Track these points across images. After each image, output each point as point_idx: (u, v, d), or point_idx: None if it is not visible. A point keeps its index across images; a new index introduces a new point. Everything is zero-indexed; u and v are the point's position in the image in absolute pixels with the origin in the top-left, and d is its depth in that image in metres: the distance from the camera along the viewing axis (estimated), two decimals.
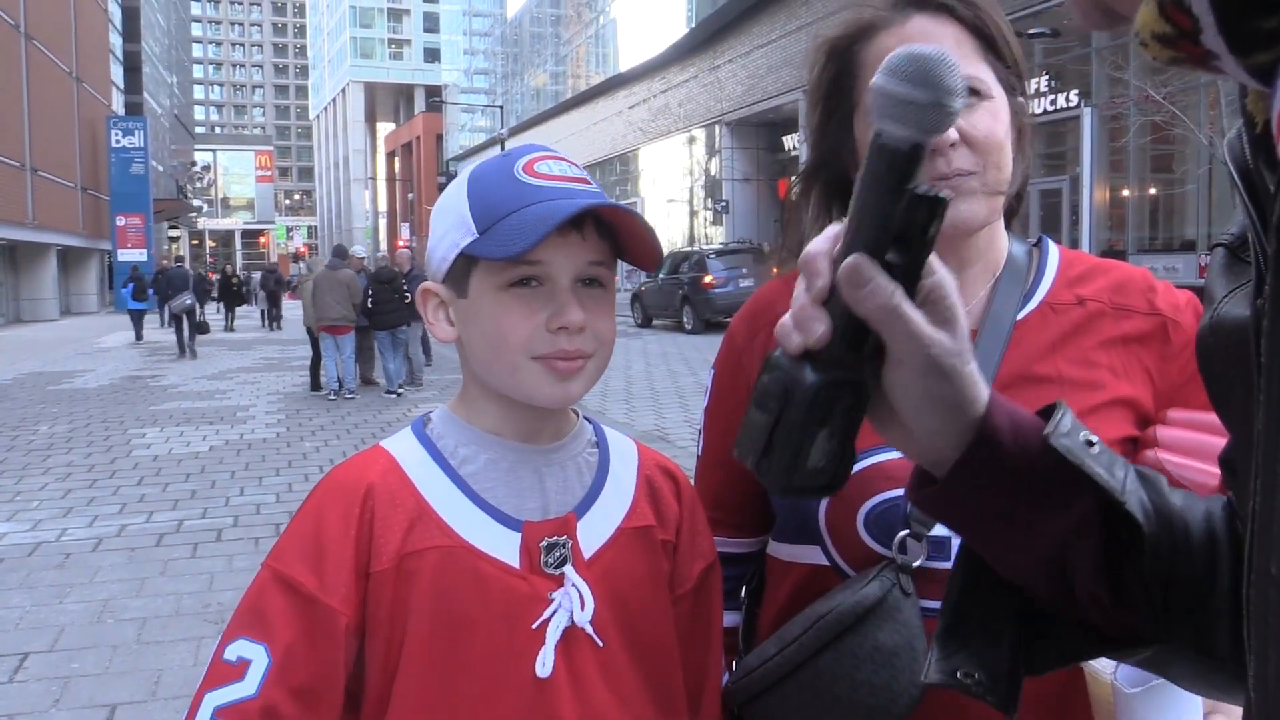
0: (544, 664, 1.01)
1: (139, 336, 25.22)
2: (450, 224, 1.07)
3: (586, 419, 1.18)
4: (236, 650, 0.97)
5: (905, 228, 0.70)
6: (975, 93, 1.13)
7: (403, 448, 1.09)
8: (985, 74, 1.15)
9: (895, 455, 1.15)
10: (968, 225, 1.18)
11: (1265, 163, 0.51)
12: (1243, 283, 0.60)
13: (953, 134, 1.12)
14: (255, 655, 0.97)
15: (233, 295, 29.93)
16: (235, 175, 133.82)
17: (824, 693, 1.10)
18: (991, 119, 1.14)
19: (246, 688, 0.95)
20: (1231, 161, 0.56)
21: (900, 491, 1.12)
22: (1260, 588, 0.48)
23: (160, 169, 58.80)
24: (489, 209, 1.03)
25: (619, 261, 1.12)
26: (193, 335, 20.94)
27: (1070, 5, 0.56)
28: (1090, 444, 0.75)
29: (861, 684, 1.09)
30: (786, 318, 0.73)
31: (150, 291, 24.98)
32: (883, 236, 0.69)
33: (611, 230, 1.07)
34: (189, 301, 20.68)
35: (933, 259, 0.71)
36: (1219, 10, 0.45)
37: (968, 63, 1.13)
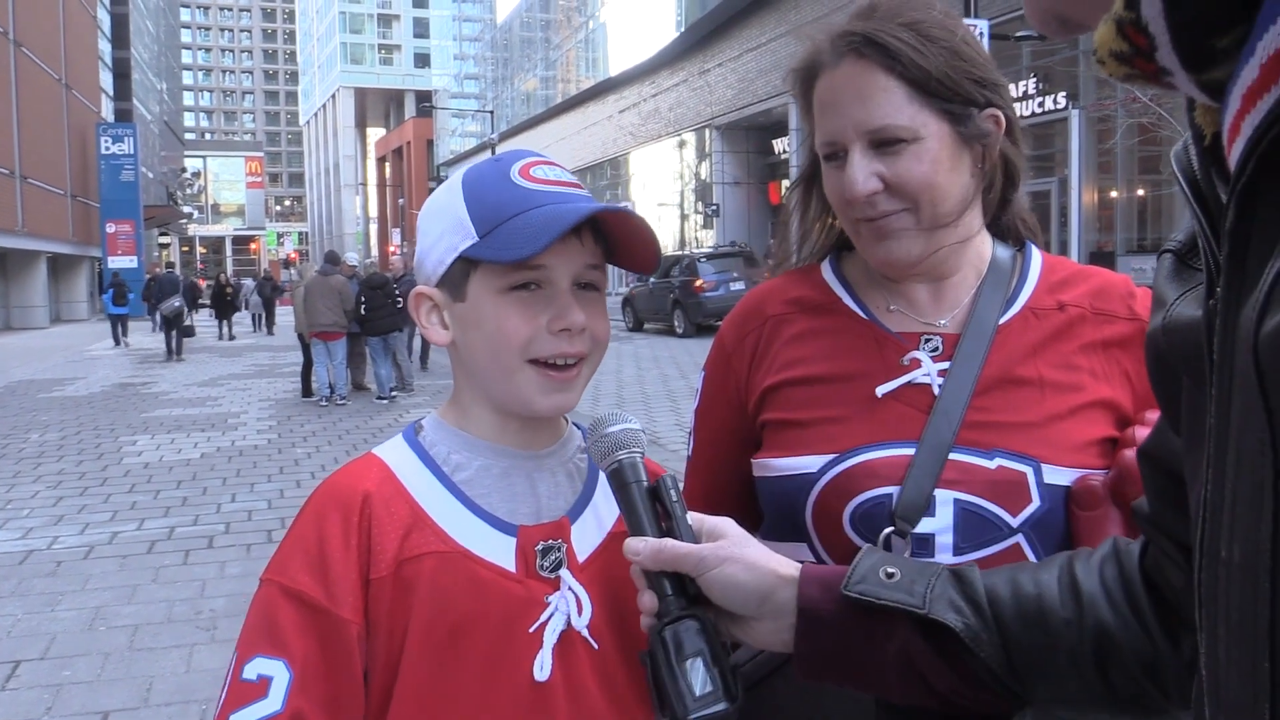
0: (542, 667, 1.02)
1: (116, 342, 25.84)
2: (445, 227, 1.07)
3: (575, 425, 1.20)
4: (255, 668, 0.97)
5: (655, 504, 1.02)
6: (899, 140, 1.16)
7: (396, 455, 1.10)
8: (913, 117, 1.15)
9: (881, 454, 1.17)
10: (900, 263, 1.22)
11: (1217, 174, 0.54)
12: (1192, 286, 0.64)
13: (873, 183, 1.16)
14: (275, 671, 0.97)
15: (226, 304, 28.58)
16: (225, 181, 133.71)
17: (807, 689, 1.12)
18: (915, 162, 1.16)
19: (271, 704, 0.95)
20: (1180, 172, 0.59)
21: (886, 489, 1.15)
22: (1210, 570, 0.51)
23: (150, 175, 58.68)
24: (489, 212, 1.04)
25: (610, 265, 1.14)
26: (180, 339, 21.43)
27: (1028, 16, 0.58)
28: (889, 575, 0.95)
29: (833, 690, 1.12)
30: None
31: (131, 296, 26.57)
32: (638, 517, 1.01)
33: (605, 234, 1.09)
34: (178, 304, 21.14)
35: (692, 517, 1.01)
36: (1174, 30, 0.48)
37: (892, 110, 1.15)
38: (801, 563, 1.00)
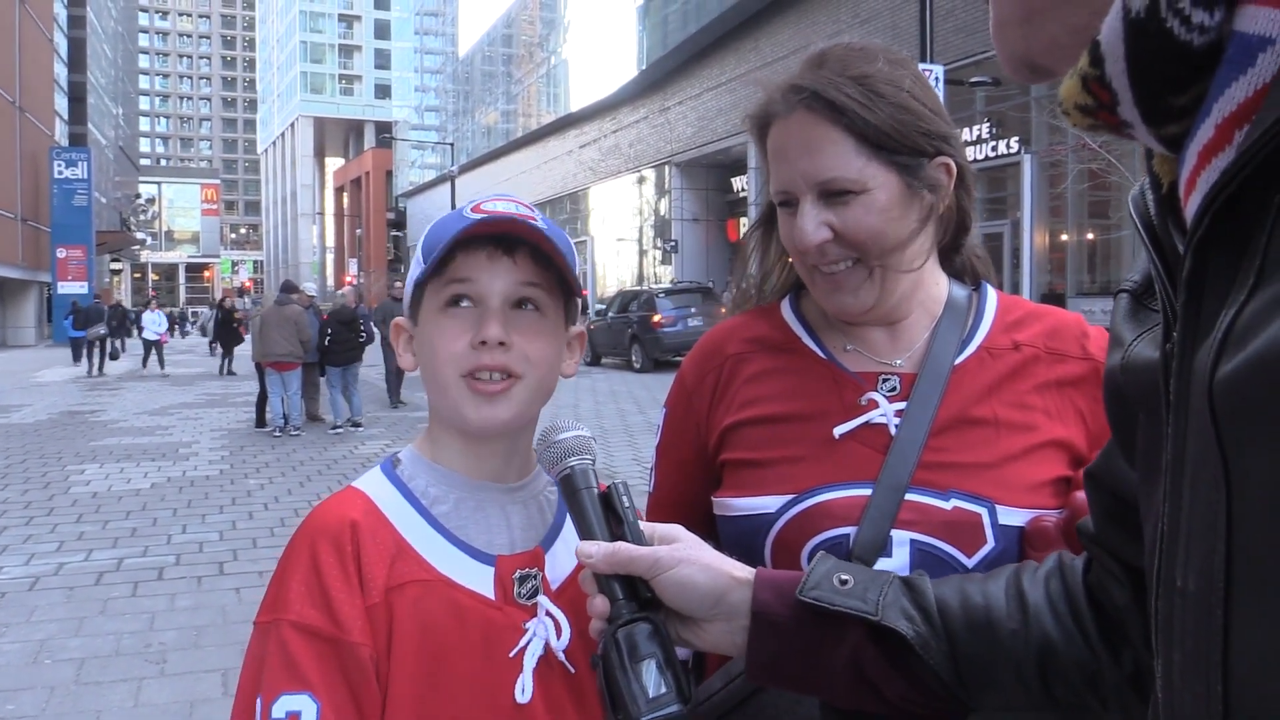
0: (523, 690, 1.06)
1: (76, 359, 28.52)
2: (413, 263, 1.16)
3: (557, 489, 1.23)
4: (284, 706, 0.97)
5: (606, 509, 1.04)
6: (848, 191, 1.19)
7: (376, 488, 1.13)
8: (861, 169, 1.18)
9: (838, 494, 1.19)
10: (851, 312, 1.26)
11: (1174, 224, 0.58)
12: (1149, 327, 0.68)
13: (823, 233, 1.19)
14: (304, 706, 0.97)
15: (232, 334, 23.38)
16: (180, 208, 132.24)
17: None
18: (863, 212, 1.19)
19: None
20: (1136, 216, 0.63)
21: (843, 530, 1.17)
22: (1167, 599, 0.54)
23: (103, 201, 57.87)
24: (432, 241, 1.11)
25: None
26: (103, 359, 26.18)
27: (1001, 61, 0.62)
28: (843, 581, 0.98)
29: (804, 719, 1.14)
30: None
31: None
32: (589, 522, 1.03)
33: (549, 258, 1.12)
34: (103, 331, 26.19)
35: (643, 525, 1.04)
36: (1136, 88, 0.52)
37: (841, 162, 1.18)
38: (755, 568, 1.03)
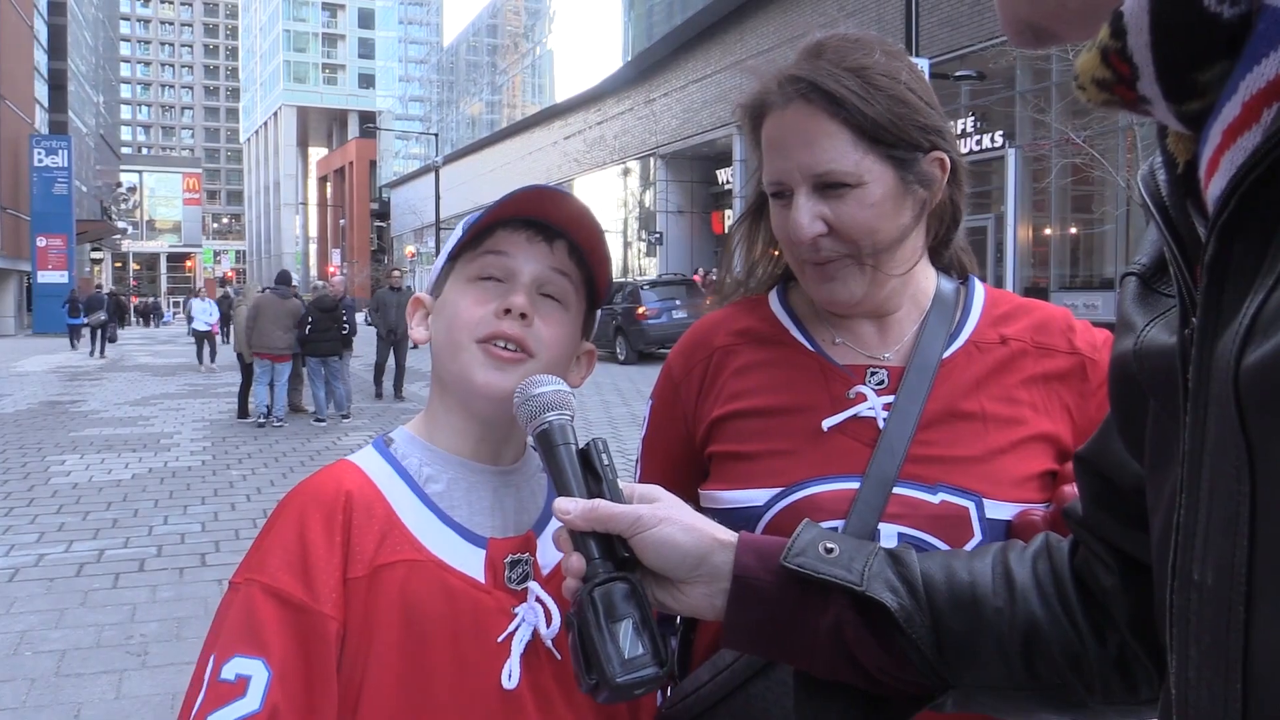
0: (510, 675, 1.05)
1: (73, 345, 32.03)
2: (447, 243, 1.18)
3: (534, 447, 1.22)
4: (234, 668, 0.97)
5: (585, 467, 1.00)
6: (843, 184, 1.18)
7: (371, 463, 1.13)
8: (857, 163, 1.18)
9: (826, 488, 1.19)
10: (842, 303, 1.26)
11: (1193, 206, 0.56)
12: (1163, 311, 0.65)
13: (817, 226, 1.19)
14: (254, 670, 0.97)
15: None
16: (162, 197, 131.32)
17: (757, 719, 1.14)
18: (858, 207, 1.19)
19: (250, 703, 0.95)
20: (1148, 195, 0.61)
21: (831, 524, 1.16)
22: (1183, 592, 0.53)
23: (84, 189, 57.50)
24: (475, 219, 1.13)
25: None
26: (104, 342, 29.52)
27: (1002, 25, 0.60)
28: (829, 550, 0.95)
29: (792, 712, 1.13)
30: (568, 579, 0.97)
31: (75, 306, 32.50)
32: (566, 479, 0.99)
33: (586, 263, 1.15)
34: (103, 317, 29.58)
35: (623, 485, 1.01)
36: (1159, 61, 0.50)
37: (837, 155, 1.18)
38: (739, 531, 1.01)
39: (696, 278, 24.99)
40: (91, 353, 28.71)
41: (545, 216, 1.13)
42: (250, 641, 0.98)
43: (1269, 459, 0.45)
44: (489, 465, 1.15)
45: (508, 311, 1.09)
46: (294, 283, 14.39)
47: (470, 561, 1.08)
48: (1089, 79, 0.54)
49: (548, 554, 1.13)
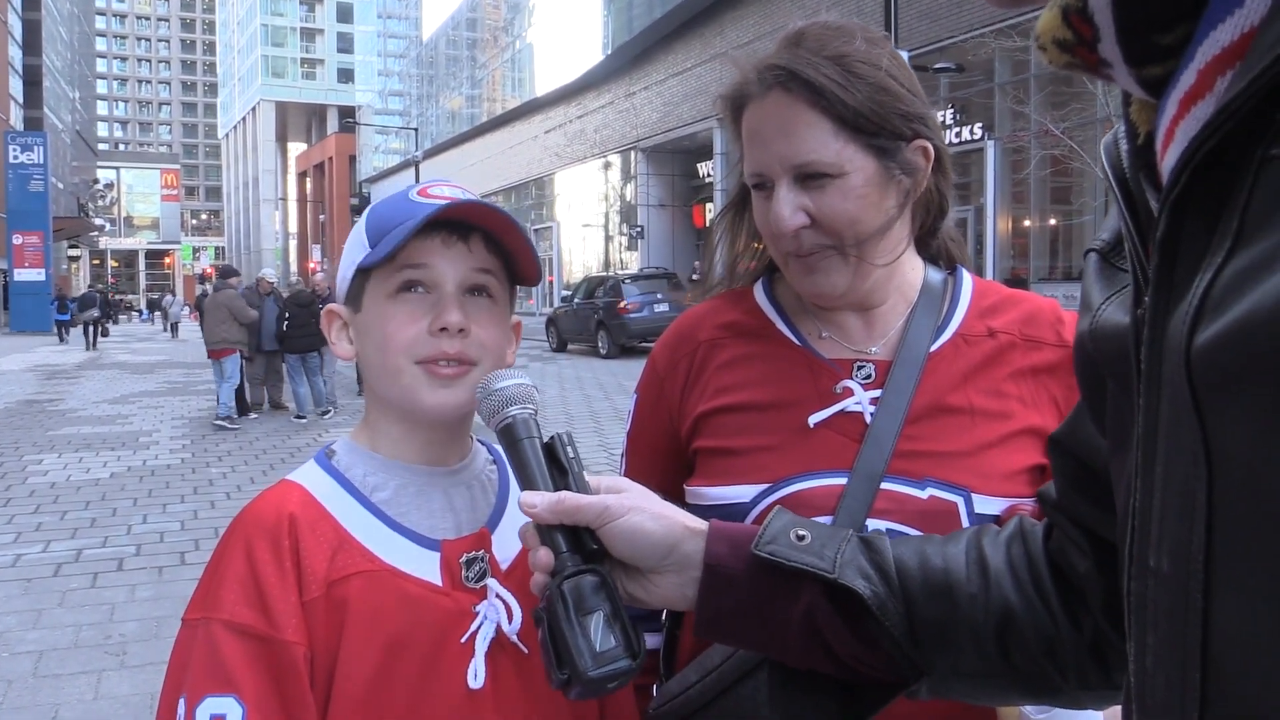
0: (475, 675, 1.03)
1: (61, 340, 34.43)
2: (350, 248, 1.13)
3: (480, 441, 1.22)
4: (208, 709, 0.95)
5: (550, 460, 0.98)
6: (824, 175, 1.16)
7: (313, 479, 1.10)
8: (838, 153, 1.16)
9: (814, 484, 1.18)
10: (827, 296, 1.24)
11: (1146, 179, 0.54)
12: (1119, 289, 0.64)
13: (799, 218, 1.17)
14: (228, 709, 0.95)
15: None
16: (140, 194, 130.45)
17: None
18: (840, 197, 1.17)
19: None
20: (1109, 166, 0.58)
21: (820, 519, 1.15)
22: (1140, 579, 0.51)
23: (61, 186, 57.04)
24: (379, 226, 1.09)
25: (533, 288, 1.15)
26: (96, 336, 32.06)
27: None
28: (800, 537, 0.94)
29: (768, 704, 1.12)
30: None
31: (71, 305, 35.33)
32: (531, 473, 0.97)
33: (500, 245, 1.12)
34: (95, 314, 31.99)
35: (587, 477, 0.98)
36: (1120, 22, 0.48)
37: (818, 145, 1.16)
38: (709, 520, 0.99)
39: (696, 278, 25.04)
40: (86, 346, 30.94)
41: (462, 215, 1.09)
42: (219, 680, 0.96)
43: (1225, 442, 0.42)
44: (438, 467, 1.13)
45: (443, 329, 1.06)
46: (268, 277, 14.25)
47: (425, 566, 1.06)
48: (1049, 39, 0.52)
49: (506, 548, 1.11)
